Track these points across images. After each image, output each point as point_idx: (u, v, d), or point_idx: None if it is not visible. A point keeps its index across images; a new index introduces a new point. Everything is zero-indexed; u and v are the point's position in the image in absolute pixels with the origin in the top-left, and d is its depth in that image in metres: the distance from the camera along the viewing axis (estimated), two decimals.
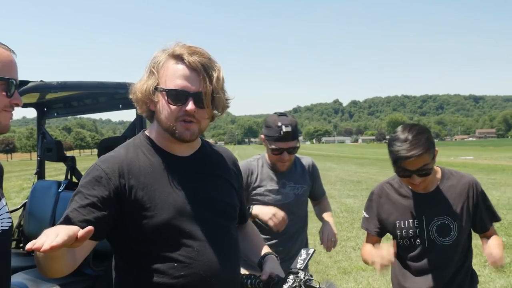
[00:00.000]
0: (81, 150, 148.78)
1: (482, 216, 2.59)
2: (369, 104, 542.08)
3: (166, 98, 1.80)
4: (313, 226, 4.38)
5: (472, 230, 2.64)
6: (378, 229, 2.70)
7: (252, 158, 3.37)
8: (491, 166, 31.66)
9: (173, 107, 1.79)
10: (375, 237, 2.72)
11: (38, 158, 5.02)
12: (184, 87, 1.78)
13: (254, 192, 3.20)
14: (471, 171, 27.87)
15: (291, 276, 1.99)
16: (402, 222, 2.58)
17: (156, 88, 1.82)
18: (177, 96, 1.78)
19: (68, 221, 1.69)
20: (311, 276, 1.98)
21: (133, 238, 1.78)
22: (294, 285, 1.94)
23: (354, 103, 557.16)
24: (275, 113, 3.22)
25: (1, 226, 1.61)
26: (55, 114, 4.91)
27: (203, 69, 1.79)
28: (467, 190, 2.55)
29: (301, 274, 1.98)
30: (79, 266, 4.11)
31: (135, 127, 3.84)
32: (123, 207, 1.76)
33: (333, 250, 3.49)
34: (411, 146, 2.31)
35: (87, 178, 1.79)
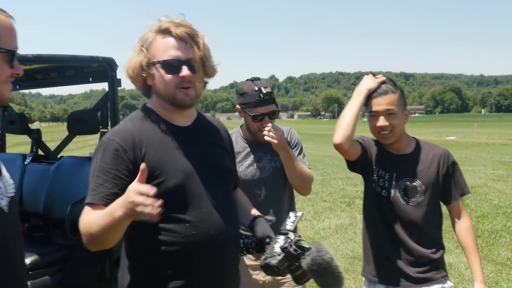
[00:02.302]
0: None
1: (449, 186, 2.68)
2: (305, 80, 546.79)
3: (161, 69, 1.96)
4: None
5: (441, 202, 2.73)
6: (365, 151, 2.71)
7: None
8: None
9: (169, 76, 1.95)
10: (359, 146, 2.70)
11: None
12: (176, 56, 1.95)
13: None
14: None
15: (282, 237, 2.07)
16: (378, 169, 2.68)
17: (150, 63, 1.96)
18: (171, 66, 1.95)
19: (96, 195, 1.85)
20: (300, 237, 2.09)
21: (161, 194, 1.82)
22: (285, 245, 2.00)
23: (290, 79, 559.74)
24: (246, 80, 3.03)
25: (9, 193, 1.64)
26: (17, 86, 4.86)
27: (190, 38, 1.96)
28: (438, 159, 2.66)
29: (291, 235, 2.06)
30: (56, 236, 4.37)
31: (107, 100, 3.94)
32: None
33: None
34: (386, 87, 2.58)
35: (104, 152, 1.92)
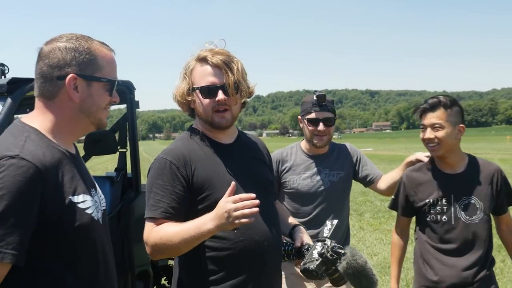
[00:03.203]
0: None
1: (502, 199, 2.82)
2: (272, 98, 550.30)
3: (200, 95, 2.21)
4: None
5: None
6: (407, 209, 2.91)
7: (288, 146, 3.37)
8: (390, 156, 33.73)
9: (206, 100, 2.20)
10: (404, 218, 2.96)
11: None
12: (212, 82, 2.19)
13: (287, 179, 3.19)
14: (374, 161, 29.39)
15: (319, 243, 2.27)
16: (431, 199, 2.78)
17: (191, 89, 2.23)
18: (208, 91, 2.19)
19: (156, 210, 2.07)
20: (336, 243, 2.26)
21: (197, 213, 2.07)
22: (322, 251, 2.20)
23: (257, 97, 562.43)
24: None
25: (102, 206, 1.84)
26: (27, 110, 4.98)
27: (225, 64, 2.18)
28: (492, 175, 2.79)
29: (328, 242, 2.26)
30: None
31: (125, 121, 4.08)
32: (190, 188, 2.13)
33: None
34: (435, 102, 2.73)
35: (159, 171, 2.14)
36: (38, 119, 1.70)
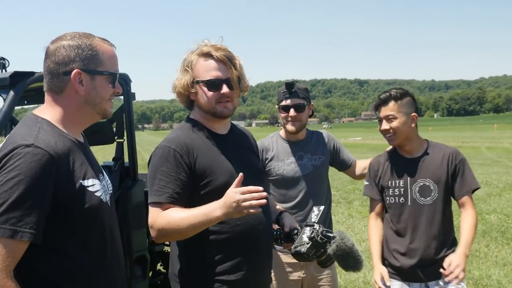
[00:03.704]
0: None
1: (457, 182, 2.97)
2: (261, 88, 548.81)
3: (204, 87, 2.33)
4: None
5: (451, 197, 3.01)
6: (379, 192, 3.10)
7: (268, 136, 3.52)
8: (379, 145, 33.91)
9: (211, 93, 2.33)
10: (378, 202, 3.12)
11: None
12: (217, 76, 2.32)
13: (272, 166, 3.33)
14: (363, 150, 29.83)
15: (308, 228, 2.40)
16: (391, 181, 3.02)
17: (194, 82, 2.34)
18: (213, 84, 2.32)
19: (162, 195, 2.19)
20: (324, 227, 2.40)
21: (199, 198, 2.22)
22: (312, 235, 2.33)
23: None
24: None
25: (110, 190, 2.00)
26: (25, 102, 5.05)
27: (228, 60, 2.33)
28: (447, 158, 2.97)
29: (317, 226, 2.39)
30: None
31: (123, 112, 4.18)
32: (193, 175, 2.26)
33: None
34: (386, 96, 2.95)
35: (163, 158, 2.25)
36: (48, 111, 1.85)
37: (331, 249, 2.30)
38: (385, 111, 2.95)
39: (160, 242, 2.32)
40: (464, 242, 2.86)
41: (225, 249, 2.32)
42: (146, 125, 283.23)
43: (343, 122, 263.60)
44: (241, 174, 2.10)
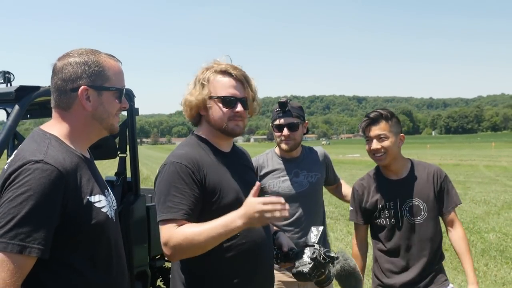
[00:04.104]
0: None
1: (443, 199, 3.02)
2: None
3: (220, 103, 2.32)
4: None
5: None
6: (362, 217, 3.11)
7: (263, 153, 3.53)
8: None
9: (225, 110, 2.32)
10: (362, 226, 3.14)
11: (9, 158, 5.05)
12: (234, 94, 2.32)
13: (267, 184, 3.31)
14: (361, 167, 29.80)
15: (308, 248, 2.39)
16: (380, 204, 3.01)
17: (211, 97, 2.32)
18: (229, 101, 2.32)
19: (177, 212, 2.14)
20: (325, 248, 2.38)
21: (209, 214, 2.18)
22: (314, 255, 2.32)
23: None
24: None
25: (115, 206, 2.00)
26: (28, 116, 5.07)
27: (245, 80, 2.36)
28: (432, 176, 3.01)
29: (317, 246, 2.37)
30: None
31: (126, 127, 4.20)
32: (203, 192, 2.23)
33: None
34: (377, 115, 2.95)
35: (176, 174, 2.20)
36: (56, 127, 1.87)
37: (334, 269, 2.33)
38: (376, 130, 2.96)
39: (175, 260, 2.24)
40: (471, 273, 2.93)
41: (232, 266, 2.31)
42: (144, 139, 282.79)
43: (341, 138, 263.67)
44: (258, 183, 2.13)
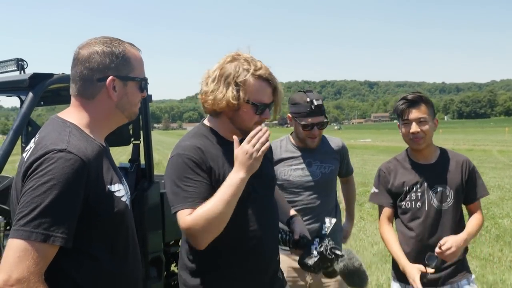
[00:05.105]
0: None
1: (470, 189, 3.01)
2: None
3: (251, 109, 2.28)
4: None
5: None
6: (390, 199, 3.07)
7: (277, 140, 3.47)
8: (390, 147, 33.88)
9: (255, 115, 2.30)
10: (388, 209, 3.09)
11: (23, 145, 4.96)
12: (266, 101, 2.31)
13: (278, 171, 3.25)
14: (372, 152, 29.78)
15: (317, 240, 2.42)
16: (407, 187, 2.99)
17: (242, 99, 2.24)
18: (261, 109, 2.30)
19: (192, 202, 2.15)
20: (334, 243, 2.40)
21: None
22: (321, 249, 2.35)
23: None
24: (299, 90, 3.32)
25: (129, 195, 2.00)
26: (41, 103, 5.06)
27: (277, 85, 2.35)
28: (461, 165, 2.99)
29: (327, 241, 2.39)
30: None
31: (139, 114, 4.19)
32: (212, 179, 2.23)
33: None
34: (417, 98, 2.90)
35: (185, 166, 2.20)
36: (75, 115, 1.86)
37: (338, 267, 2.35)
38: (416, 113, 2.90)
39: (203, 245, 2.18)
40: (467, 230, 2.92)
41: (232, 256, 2.32)
42: (155, 125, 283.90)
43: (353, 123, 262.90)
44: (234, 137, 2.23)
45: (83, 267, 1.75)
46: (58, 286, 1.70)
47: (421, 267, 2.85)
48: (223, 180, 2.19)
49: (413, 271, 2.85)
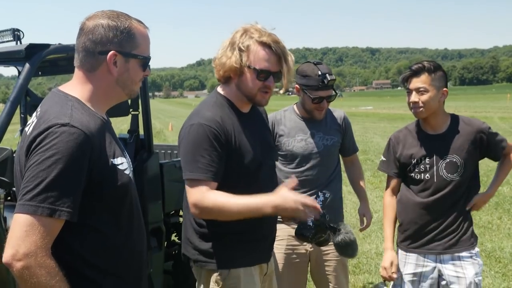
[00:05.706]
0: None
1: (493, 149, 3.02)
2: None
3: (253, 74, 2.37)
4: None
5: (492, 160, 3.11)
6: (397, 169, 3.09)
7: (281, 110, 3.47)
8: (391, 115, 33.88)
9: (258, 81, 2.38)
10: (395, 179, 3.13)
11: (22, 116, 4.98)
12: (269, 68, 2.37)
13: (282, 142, 3.30)
14: (374, 120, 29.71)
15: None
16: (415, 158, 2.99)
17: (245, 65, 2.35)
18: (264, 75, 2.37)
19: (207, 173, 2.27)
20: (328, 217, 2.47)
21: (231, 174, 2.37)
22: (318, 222, 2.42)
23: None
24: (308, 61, 3.31)
25: (131, 168, 1.99)
26: (39, 73, 5.02)
27: (283, 55, 2.38)
28: (475, 133, 2.95)
29: (323, 213, 2.41)
30: None
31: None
32: (227, 154, 2.36)
33: None
34: (419, 68, 2.89)
35: (205, 136, 2.31)
36: (77, 88, 1.85)
37: (336, 240, 2.49)
38: (416, 82, 2.89)
39: (201, 218, 2.42)
40: (495, 185, 3.15)
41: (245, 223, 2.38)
42: (156, 93, 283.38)
43: (354, 91, 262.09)
44: (295, 179, 2.34)
45: (87, 240, 1.76)
46: (63, 260, 1.70)
47: (395, 260, 3.05)
48: (239, 148, 2.38)
49: (387, 262, 3.05)
